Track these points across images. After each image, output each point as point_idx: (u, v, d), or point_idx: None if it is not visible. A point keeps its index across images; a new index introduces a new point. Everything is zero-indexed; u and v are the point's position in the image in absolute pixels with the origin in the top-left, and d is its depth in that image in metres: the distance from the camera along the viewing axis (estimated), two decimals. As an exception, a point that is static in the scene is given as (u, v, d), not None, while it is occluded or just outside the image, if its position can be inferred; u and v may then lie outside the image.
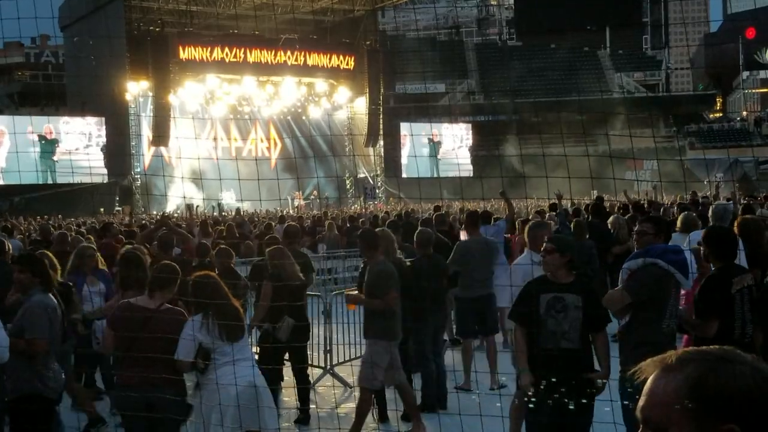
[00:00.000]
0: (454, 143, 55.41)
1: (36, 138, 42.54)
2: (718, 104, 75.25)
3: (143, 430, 5.94)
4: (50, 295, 6.38)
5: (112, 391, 8.00)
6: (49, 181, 43.36)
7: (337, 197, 47.17)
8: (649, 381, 1.62)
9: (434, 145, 53.87)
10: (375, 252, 8.19)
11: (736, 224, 7.17)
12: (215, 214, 29.35)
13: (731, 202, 17.11)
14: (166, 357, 5.88)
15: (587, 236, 11.87)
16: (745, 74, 73.65)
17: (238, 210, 28.11)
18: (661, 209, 14.80)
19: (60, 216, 31.34)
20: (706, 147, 56.68)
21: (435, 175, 51.15)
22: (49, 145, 43.48)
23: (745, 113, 69.45)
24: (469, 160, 54.58)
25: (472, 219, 10.71)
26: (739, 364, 1.56)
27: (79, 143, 44.34)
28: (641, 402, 1.61)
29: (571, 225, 12.27)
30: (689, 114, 64.82)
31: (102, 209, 37.06)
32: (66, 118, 44.84)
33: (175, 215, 27.75)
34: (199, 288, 6.17)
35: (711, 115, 69.85)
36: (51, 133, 43.47)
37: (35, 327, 6.09)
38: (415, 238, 9.55)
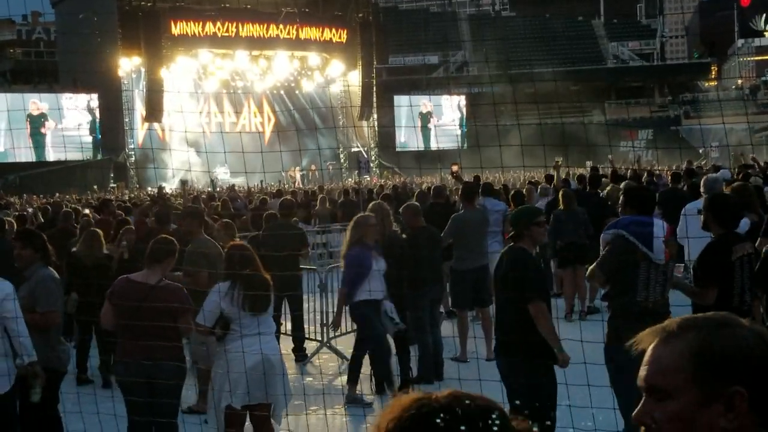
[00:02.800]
0: (448, 115, 55.27)
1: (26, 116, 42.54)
2: (713, 72, 75.04)
3: (144, 403, 6.00)
4: (51, 269, 6.51)
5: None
6: (41, 158, 43.26)
7: (334, 170, 47.11)
8: (650, 350, 1.64)
9: (425, 116, 53.70)
10: (198, 229, 8.54)
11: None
12: (209, 189, 29.34)
13: (724, 170, 17.18)
14: (164, 330, 5.95)
15: (577, 204, 11.94)
16: (740, 42, 73.45)
17: (232, 186, 28.06)
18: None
19: (57, 195, 31.22)
20: (701, 116, 56.66)
21: (426, 147, 51.17)
22: (36, 121, 43.22)
23: (740, 81, 69.33)
24: (462, 132, 54.46)
25: (468, 191, 10.66)
26: (738, 327, 1.60)
27: (82, 119, 44.12)
28: (644, 372, 1.63)
29: (559, 194, 12.30)
30: (684, 83, 64.72)
31: (95, 186, 36.95)
32: (69, 94, 44.49)
33: (167, 191, 27.66)
34: (232, 259, 6.30)
35: (706, 84, 69.72)
36: (38, 109, 43.14)
37: (49, 300, 6.27)
38: (402, 212, 9.56)
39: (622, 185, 12.15)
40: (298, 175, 42.30)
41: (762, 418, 1.55)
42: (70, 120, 43.48)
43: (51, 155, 42.67)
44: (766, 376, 1.55)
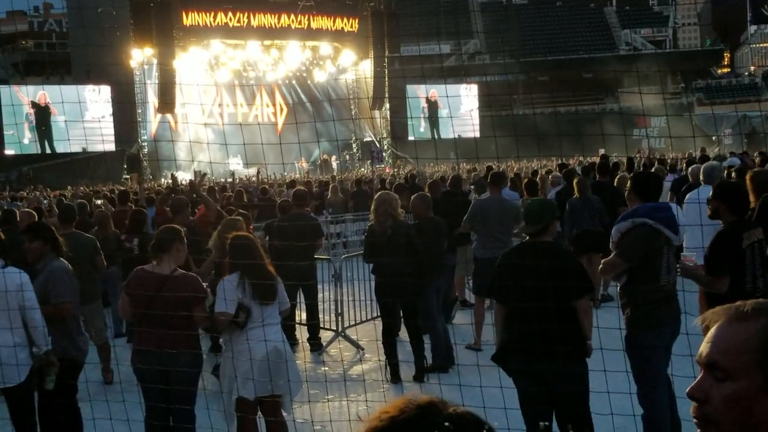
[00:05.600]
0: (460, 104, 54.99)
1: (30, 106, 42.64)
2: (726, 59, 74.60)
3: (160, 390, 6.08)
4: (64, 260, 6.54)
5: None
6: (47, 150, 43.33)
7: (352, 160, 47.11)
8: (715, 328, 1.59)
9: (433, 105, 53.37)
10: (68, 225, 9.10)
11: (748, 178, 7.13)
12: (222, 180, 29.41)
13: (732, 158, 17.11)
14: (179, 319, 6.00)
15: (590, 192, 11.91)
16: (752, 29, 72.96)
17: (231, 173, 28.13)
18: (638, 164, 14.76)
19: (69, 187, 31.34)
20: (714, 103, 56.39)
21: (434, 137, 50.94)
22: (42, 113, 43.22)
23: (753, 68, 68.92)
24: (475, 121, 54.20)
25: (493, 178, 10.68)
26: None
27: (105, 111, 44.08)
28: (706, 348, 1.58)
29: (574, 182, 12.25)
30: (697, 70, 64.37)
31: (107, 178, 37.12)
32: (92, 86, 44.37)
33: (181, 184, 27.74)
34: (235, 249, 6.25)
35: (719, 71, 69.34)
36: (45, 100, 43.12)
37: (61, 291, 6.33)
38: (412, 201, 9.60)
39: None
40: (305, 165, 42.32)
41: None
42: (93, 112, 43.30)
43: (64, 147, 42.55)
44: None
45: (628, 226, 5.90)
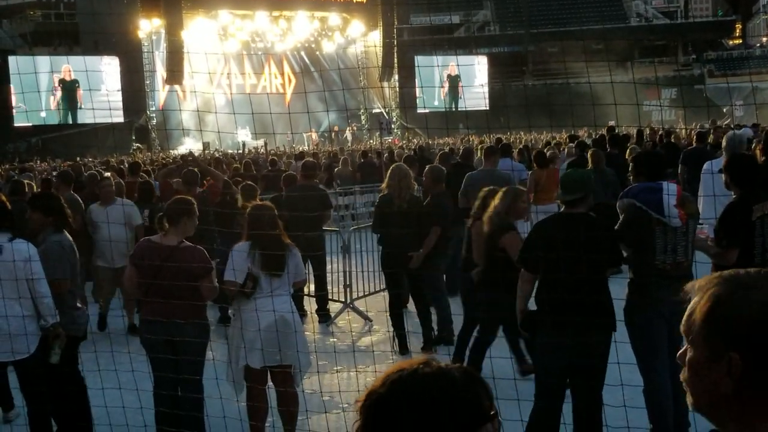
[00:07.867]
0: (474, 76, 54.44)
1: (57, 81, 42.36)
2: (738, 30, 73.84)
3: (168, 360, 6.10)
4: (66, 234, 6.46)
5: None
6: (69, 122, 43.14)
7: (360, 131, 46.88)
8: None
9: (454, 79, 52.74)
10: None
11: None
12: (231, 151, 29.38)
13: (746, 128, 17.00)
14: (186, 290, 6.00)
15: (604, 164, 11.84)
16: (765, -1, 72.24)
17: (242, 144, 28.09)
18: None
19: (78, 158, 31.31)
20: (725, 74, 55.92)
21: (453, 109, 50.37)
22: (70, 86, 42.99)
23: (765, 39, 68.27)
24: (485, 93, 53.76)
25: (487, 151, 10.63)
26: (756, 290, 1.56)
27: (118, 83, 43.74)
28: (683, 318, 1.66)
29: (588, 154, 12.18)
30: (708, 41, 63.79)
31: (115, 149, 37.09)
32: (108, 59, 44.10)
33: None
34: (251, 219, 6.25)
35: (730, 42, 68.68)
36: (70, 73, 42.88)
37: (57, 267, 6.23)
38: (425, 175, 9.56)
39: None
40: (315, 137, 42.21)
41: (755, 388, 1.52)
42: (109, 84, 42.97)
43: (86, 120, 42.24)
44: (761, 346, 1.52)
45: (624, 205, 5.89)
